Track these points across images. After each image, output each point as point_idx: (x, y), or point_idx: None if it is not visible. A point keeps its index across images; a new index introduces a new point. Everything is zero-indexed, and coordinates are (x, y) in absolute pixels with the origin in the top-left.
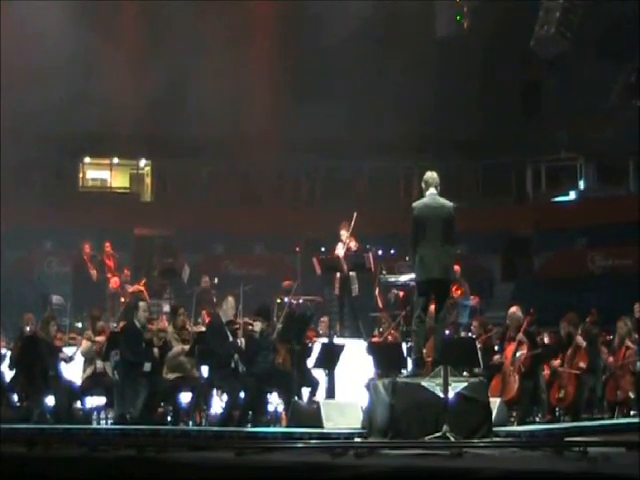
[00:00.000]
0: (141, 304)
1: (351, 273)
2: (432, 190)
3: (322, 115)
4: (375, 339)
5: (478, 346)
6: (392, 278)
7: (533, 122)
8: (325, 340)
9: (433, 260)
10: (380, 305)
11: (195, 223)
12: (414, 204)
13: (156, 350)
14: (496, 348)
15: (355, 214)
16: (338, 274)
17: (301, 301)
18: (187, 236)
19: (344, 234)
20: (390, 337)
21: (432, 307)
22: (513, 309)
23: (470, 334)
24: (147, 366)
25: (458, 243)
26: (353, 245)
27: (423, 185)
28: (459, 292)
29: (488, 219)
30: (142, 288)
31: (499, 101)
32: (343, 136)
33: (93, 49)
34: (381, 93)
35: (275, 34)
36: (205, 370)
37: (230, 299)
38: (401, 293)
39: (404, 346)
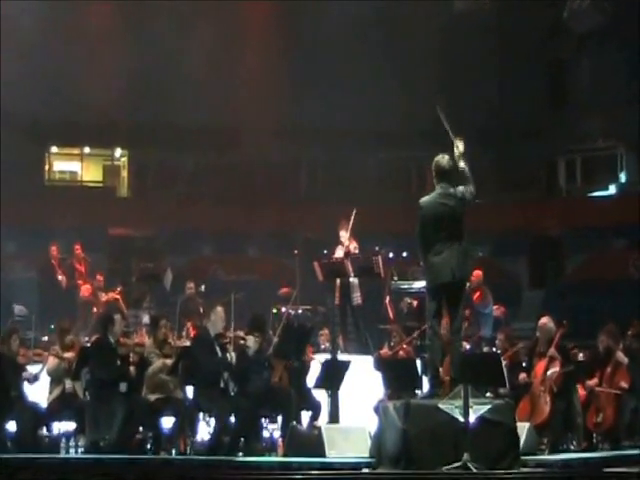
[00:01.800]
0: (116, 317)
1: (352, 279)
2: (443, 180)
3: (322, 101)
4: (385, 355)
5: (503, 362)
6: (404, 285)
7: (565, 105)
8: (327, 356)
9: (443, 262)
10: (391, 316)
11: (179, 221)
12: (421, 200)
13: (133, 368)
14: (524, 365)
15: (354, 211)
16: (338, 281)
17: (300, 311)
18: (170, 236)
19: (343, 235)
20: (402, 352)
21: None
22: (543, 320)
23: (494, 349)
24: (123, 386)
25: (480, 245)
26: (353, 247)
27: (433, 173)
28: (479, 299)
29: (513, 216)
30: (118, 296)
31: (524, 82)
32: (346, 124)
33: (64, 27)
34: (389, 76)
35: (270, 13)
36: (190, 390)
37: (219, 309)
38: (415, 302)
39: (418, 363)
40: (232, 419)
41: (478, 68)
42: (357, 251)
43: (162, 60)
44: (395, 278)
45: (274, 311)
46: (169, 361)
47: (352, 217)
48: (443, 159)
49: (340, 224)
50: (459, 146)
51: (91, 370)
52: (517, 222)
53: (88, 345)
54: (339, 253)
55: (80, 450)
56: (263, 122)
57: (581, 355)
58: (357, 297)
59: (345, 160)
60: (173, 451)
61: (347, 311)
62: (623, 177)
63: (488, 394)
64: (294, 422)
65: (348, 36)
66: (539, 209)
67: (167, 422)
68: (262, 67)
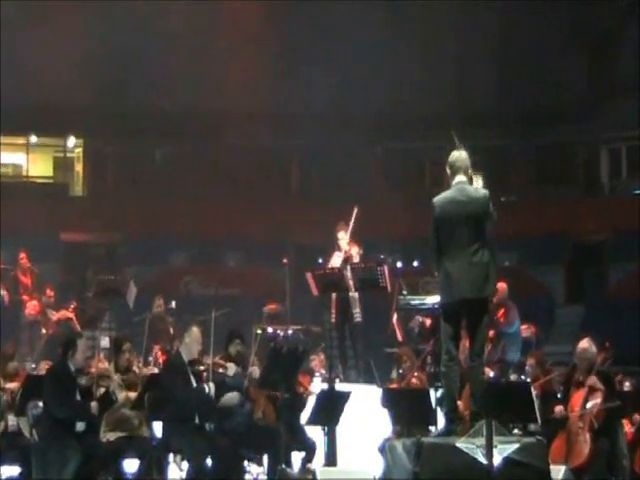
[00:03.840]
0: (79, 341)
1: (351, 294)
2: (460, 177)
3: (318, 82)
4: (393, 384)
5: (534, 393)
6: (415, 300)
7: (607, 87)
8: (323, 386)
9: (462, 274)
10: (399, 337)
11: (144, 225)
12: (435, 199)
13: (95, 404)
14: (559, 396)
15: (355, 209)
16: (334, 295)
17: (290, 332)
18: (134, 243)
19: (342, 238)
20: (414, 381)
21: (467, 341)
22: (583, 343)
23: (523, 377)
24: (80, 425)
25: (505, 251)
26: (355, 252)
27: (448, 170)
28: (503, 317)
29: (546, 218)
30: (71, 315)
31: (559, 60)
32: (347, 108)
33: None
34: (399, 53)
35: None
36: (158, 427)
37: (194, 330)
38: (428, 320)
39: (432, 394)
40: (209, 461)
41: (507, 45)
42: (359, 257)
43: (127, 37)
44: (404, 292)
45: (258, 332)
46: (133, 393)
47: (353, 216)
48: (459, 152)
49: (338, 225)
50: (479, 182)
51: (43, 404)
52: (550, 224)
53: (36, 374)
54: (336, 261)
55: None
56: (247, 107)
57: (627, 384)
58: (357, 314)
59: (344, 152)
60: None
61: (346, 331)
62: None
63: (516, 431)
64: (283, 465)
65: (346, 12)
66: (577, 209)
67: (131, 465)
68: (246, 45)
